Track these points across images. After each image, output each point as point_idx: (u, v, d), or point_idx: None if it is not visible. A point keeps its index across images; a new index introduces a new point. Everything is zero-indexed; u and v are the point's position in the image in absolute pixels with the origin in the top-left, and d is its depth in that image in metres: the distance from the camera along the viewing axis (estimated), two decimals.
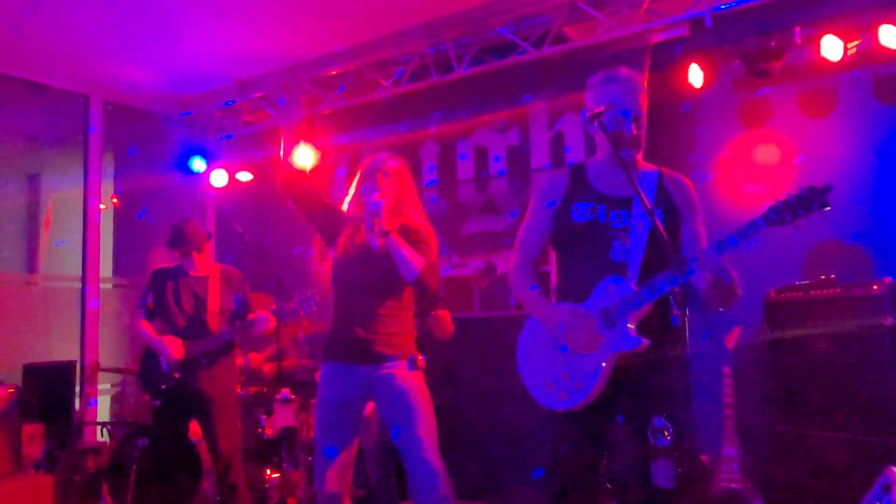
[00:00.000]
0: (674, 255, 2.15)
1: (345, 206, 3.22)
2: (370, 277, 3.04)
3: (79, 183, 5.86)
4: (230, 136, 6.26)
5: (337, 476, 2.99)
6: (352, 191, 3.20)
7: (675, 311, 2.17)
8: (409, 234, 3.05)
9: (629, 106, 2.42)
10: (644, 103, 2.48)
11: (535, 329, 2.52)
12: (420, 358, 3.07)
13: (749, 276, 2.38)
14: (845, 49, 3.87)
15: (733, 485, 3.72)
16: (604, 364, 2.31)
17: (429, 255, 3.05)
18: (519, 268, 2.60)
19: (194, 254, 4.09)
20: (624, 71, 2.51)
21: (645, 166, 2.54)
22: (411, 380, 3.02)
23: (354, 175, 3.24)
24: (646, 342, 2.28)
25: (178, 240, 4.08)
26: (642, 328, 2.31)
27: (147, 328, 4.04)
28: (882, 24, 3.74)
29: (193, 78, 5.72)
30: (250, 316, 3.94)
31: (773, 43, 4.01)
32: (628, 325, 2.30)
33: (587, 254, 2.43)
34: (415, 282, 2.99)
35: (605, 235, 2.40)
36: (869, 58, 3.93)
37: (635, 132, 2.43)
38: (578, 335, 2.33)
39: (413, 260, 2.96)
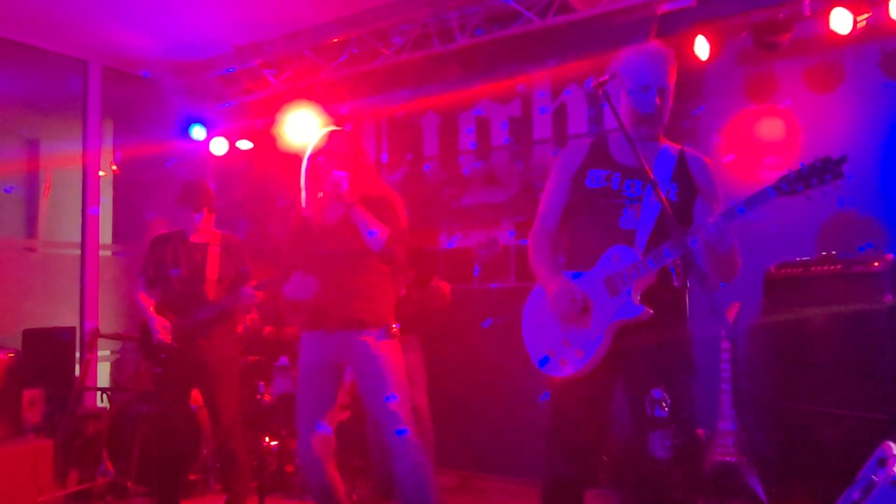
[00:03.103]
0: (677, 224, 2.14)
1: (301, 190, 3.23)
2: (341, 248, 3.08)
3: (78, 149, 5.83)
4: (230, 104, 6.21)
5: (320, 441, 3.03)
6: (303, 172, 3.19)
7: (676, 283, 2.15)
8: (372, 204, 3.09)
9: (654, 78, 2.40)
10: (672, 76, 2.45)
11: (540, 296, 2.52)
12: (394, 326, 3.11)
13: (757, 251, 2.37)
14: (854, 22, 3.81)
15: (728, 458, 3.75)
16: (604, 332, 2.32)
17: (396, 223, 3.09)
18: (536, 236, 2.59)
19: (205, 212, 4.02)
20: (653, 44, 2.50)
21: (666, 143, 2.52)
22: (384, 348, 3.07)
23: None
24: (648, 311, 2.28)
25: (189, 196, 4.02)
26: (646, 298, 2.30)
27: (144, 301, 4.00)
28: None
29: (193, 44, 5.66)
30: (242, 288, 3.93)
31: (781, 15, 3.96)
32: (631, 293, 2.30)
33: (597, 220, 2.43)
34: (382, 252, 3.03)
35: (616, 202, 2.40)
36: (878, 31, 3.87)
37: (659, 103, 2.41)
38: (563, 305, 2.34)
39: (379, 233, 3.01)
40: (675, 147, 2.52)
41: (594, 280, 2.37)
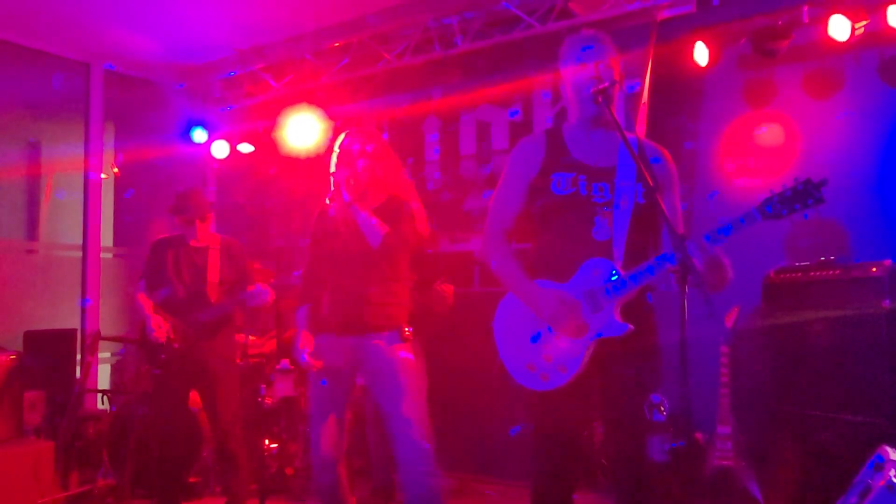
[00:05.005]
0: (677, 237, 2.08)
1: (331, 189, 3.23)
2: (353, 251, 3.08)
3: (79, 152, 5.85)
4: (231, 108, 6.23)
5: (332, 443, 3.05)
6: (332, 169, 3.19)
7: (674, 289, 2.15)
8: (388, 205, 3.12)
9: (590, 55, 2.37)
10: (613, 57, 2.41)
11: (513, 306, 2.43)
12: (407, 330, 3.08)
13: (744, 253, 2.37)
14: (853, 29, 3.83)
15: (726, 462, 3.76)
16: (588, 348, 2.28)
17: (406, 226, 3.08)
18: (493, 239, 2.48)
19: (196, 223, 4.08)
20: (588, 31, 2.46)
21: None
22: (398, 352, 3.05)
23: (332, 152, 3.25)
24: (631, 328, 2.24)
25: (183, 207, 4.07)
26: (624, 311, 2.27)
27: (143, 301, 4.03)
28: (890, 4, 3.71)
29: (195, 48, 5.68)
30: (249, 288, 3.96)
31: (780, 22, 3.98)
32: (614, 310, 2.26)
33: (568, 230, 2.36)
34: (379, 249, 3.02)
35: (587, 210, 2.33)
36: (876, 38, 3.89)
37: (597, 74, 2.35)
38: (564, 323, 2.28)
39: (377, 228, 3.01)
40: (631, 137, 2.44)
41: (573, 293, 2.31)
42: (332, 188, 3.07)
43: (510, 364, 2.41)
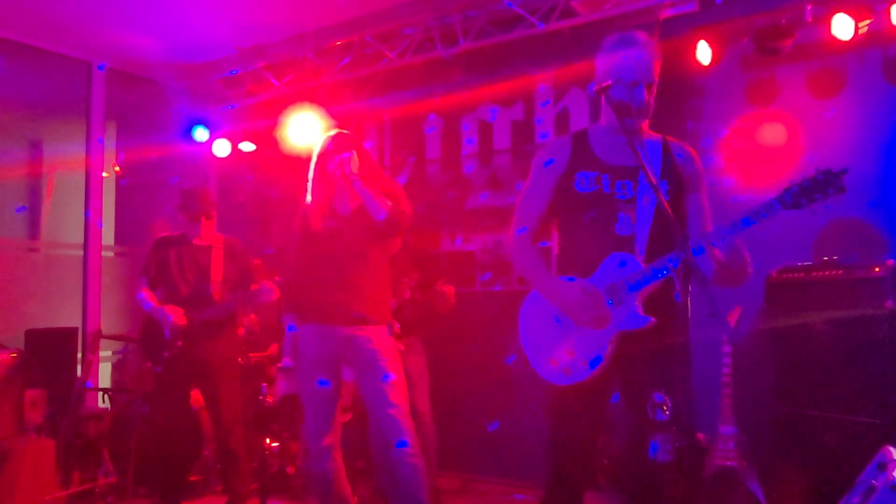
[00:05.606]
0: (681, 235, 2.10)
1: (308, 189, 3.35)
2: (345, 246, 3.20)
3: (81, 151, 5.84)
4: (233, 106, 6.22)
5: (325, 431, 3.16)
6: (311, 173, 3.32)
7: (678, 288, 2.15)
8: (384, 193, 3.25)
9: (642, 72, 2.35)
10: (657, 69, 2.42)
11: (538, 302, 2.48)
12: (396, 325, 3.24)
13: (758, 254, 2.38)
14: (856, 28, 3.82)
15: (729, 463, 3.76)
16: (610, 342, 2.30)
17: (402, 205, 3.24)
18: (521, 240, 2.52)
19: (202, 221, 4.07)
20: (640, 35, 2.44)
21: (649, 135, 2.48)
22: (386, 344, 3.17)
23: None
24: (653, 321, 2.26)
25: (189, 204, 4.07)
26: (647, 305, 2.30)
27: (149, 296, 4.04)
28: (894, 3, 3.70)
29: (197, 46, 5.67)
30: (253, 286, 3.96)
31: (783, 21, 3.97)
32: (636, 303, 2.28)
33: (591, 226, 2.40)
34: (385, 220, 3.14)
35: (610, 207, 2.37)
36: (879, 37, 3.88)
37: (647, 98, 2.36)
38: (587, 313, 2.30)
39: (381, 202, 3.15)
40: (657, 137, 2.48)
41: (596, 287, 2.34)
42: (338, 167, 3.16)
43: (534, 359, 2.44)
